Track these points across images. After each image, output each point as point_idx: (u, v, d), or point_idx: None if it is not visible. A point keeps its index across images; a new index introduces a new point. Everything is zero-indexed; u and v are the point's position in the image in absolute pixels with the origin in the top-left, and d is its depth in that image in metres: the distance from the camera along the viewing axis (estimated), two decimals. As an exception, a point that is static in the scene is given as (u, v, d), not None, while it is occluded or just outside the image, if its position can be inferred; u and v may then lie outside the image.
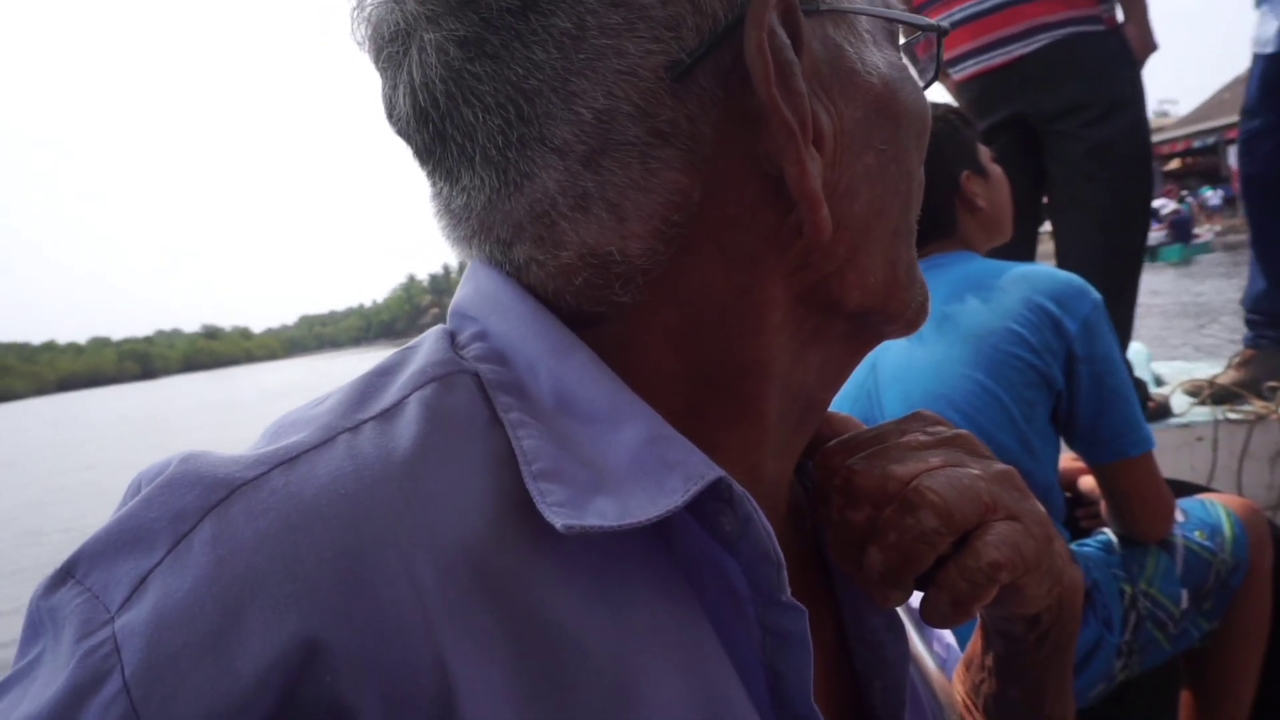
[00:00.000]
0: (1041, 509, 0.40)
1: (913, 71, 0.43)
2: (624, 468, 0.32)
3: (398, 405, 0.32)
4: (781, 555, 0.32)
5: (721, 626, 0.33)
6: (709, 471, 0.31)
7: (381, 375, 0.34)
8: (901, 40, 0.42)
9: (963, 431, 0.42)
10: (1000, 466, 0.40)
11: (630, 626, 0.31)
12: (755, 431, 0.38)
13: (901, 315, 0.40)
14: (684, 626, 0.32)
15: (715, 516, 0.32)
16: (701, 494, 0.31)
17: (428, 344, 0.36)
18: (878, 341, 0.42)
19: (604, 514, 0.30)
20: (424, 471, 0.30)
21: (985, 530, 0.37)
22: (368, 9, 0.35)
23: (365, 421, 0.31)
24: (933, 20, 0.40)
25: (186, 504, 0.28)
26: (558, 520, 0.29)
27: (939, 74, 0.43)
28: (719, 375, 0.36)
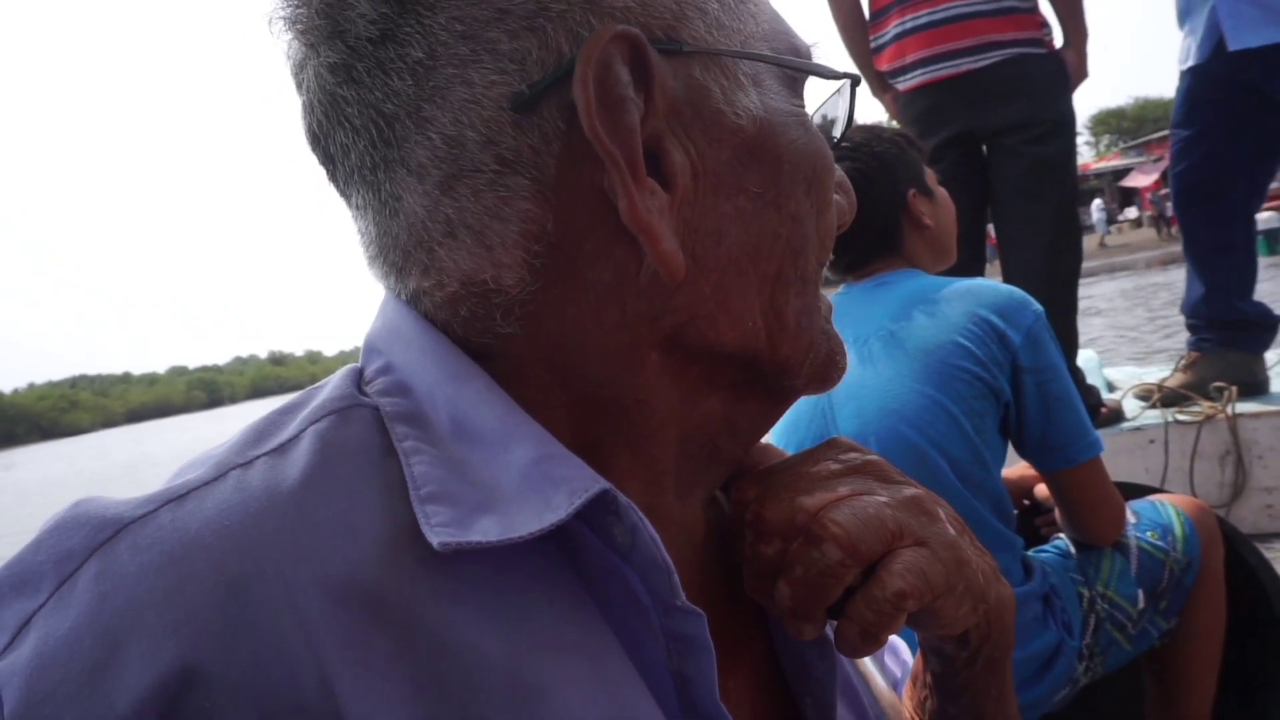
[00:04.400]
0: (951, 532, 0.40)
1: (840, 106, 0.43)
2: (513, 487, 0.33)
3: (292, 440, 0.33)
4: (670, 562, 0.33)
5: (627, 637, 0.34)
6: (594, 484, 0.32)
7: (284, 414, 0.35)
8: (835, 84, 0.42)
9: (874, 457, 0.42)
10: (910, 491, 0.40)
11: (531, 640, 0.31)
12: (648, 472, 0.38)
13: (798, 367, 0.39)
14: (587, 638, 0.33)
15: (608, 528, 0.33)
16: (591, 507, 0.32)
17: (333, 382, 0.37)
18: (786, 396, 0.41)
19: (487, 531, 0.31)
20: (311, 500, 0.31)
21: (891, 559, 0.37)
22: (288, 47, 0.37)
23: (258, 457, 0.32)
24: (832, 67, 0.40)
25: (73, 545, 0.29)
26: (436, 539, 0.30)
27: (850, 122, 0.43)
28: (604, 412, 0.36)
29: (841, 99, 0.43)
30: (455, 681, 0.29)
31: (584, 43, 0.33)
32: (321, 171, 0.39)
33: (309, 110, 0.37)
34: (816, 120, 0.43)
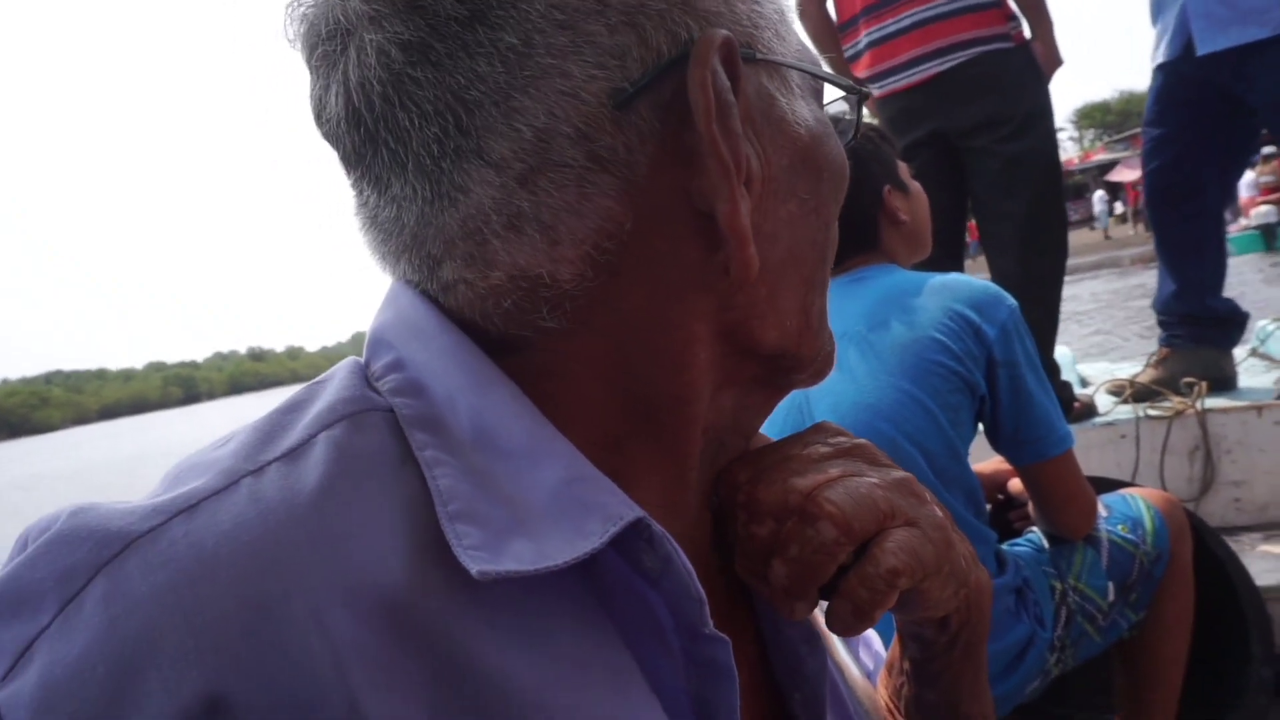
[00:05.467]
0: (939, 514, 0.41)
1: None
2: (542, 508, 0.32)
3: (304, 445, 0.31)
4: (703, 592, 0.32)
5: (645, 659, 0.34)
6: (628, 512, 0.32)
7: (288, 413, 0.33)
8: (836, 96, 0.44)
9: (862, 441, 0.43)
10: (898, 473, 0.41)
11: (552, 662, 0.31)
12: (676, 469, 0.38)
13: (811, 363, 0.41)
14: (607, 660, 0.32)
15: (637, 554, 0.33)
16: (623, 533, 0.32)
17: (338, 378, 0.36)
18: (786, 389, 0.42)
19: (520, 557, 0.30)
20: (332, 513, 0.29)
21: (884, 538, 0.38)
22: (303, 7, 0.35)
23: (270, 463, 0.30)
24: (857, 84, 0.43)
25: (76, 561, 0.27)
26: (474, 566, 0.29)
27: (857, 134, 0.45)
28: (643, 409, 0.36)
29: (851, 113, 0.45)
30: (475, 707, 0.29)
31: (691, 45, 0.33)
32: (321, 160, 0.36)
33: (358, 88, 0.33)
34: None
